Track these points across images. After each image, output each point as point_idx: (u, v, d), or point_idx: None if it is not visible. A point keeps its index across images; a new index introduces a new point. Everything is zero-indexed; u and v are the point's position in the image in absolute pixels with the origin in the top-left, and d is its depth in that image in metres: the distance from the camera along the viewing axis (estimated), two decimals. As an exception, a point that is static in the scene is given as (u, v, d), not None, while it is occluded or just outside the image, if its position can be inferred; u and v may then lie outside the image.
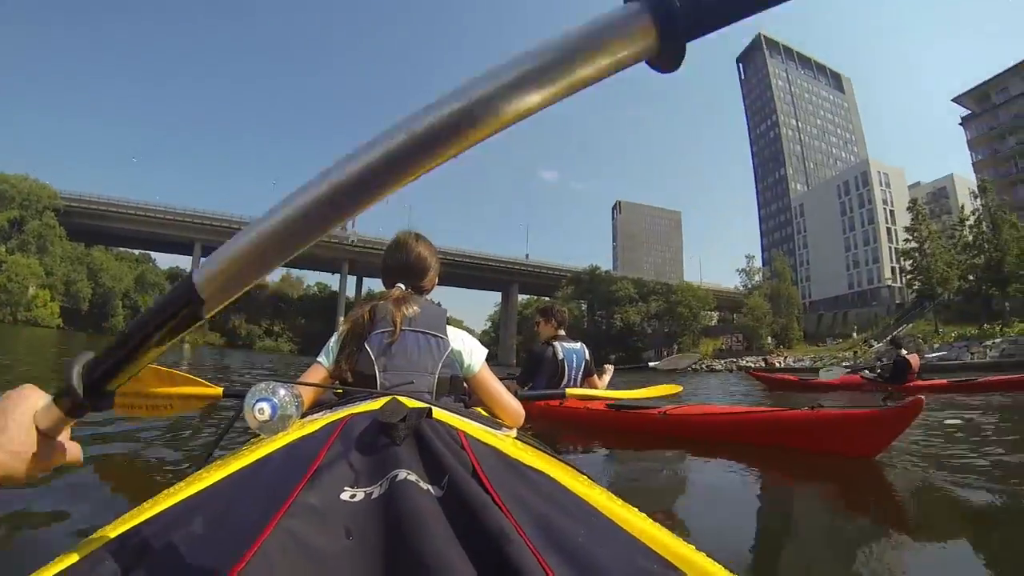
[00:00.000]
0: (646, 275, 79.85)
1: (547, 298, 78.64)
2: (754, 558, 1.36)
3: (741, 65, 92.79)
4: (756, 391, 9.12)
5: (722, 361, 47.78)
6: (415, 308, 1.41)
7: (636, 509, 0.67)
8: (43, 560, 0.49)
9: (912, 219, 40.43)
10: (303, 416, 0.95)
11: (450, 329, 1.46)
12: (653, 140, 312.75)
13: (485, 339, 78.63)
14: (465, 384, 1.50)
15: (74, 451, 0.56)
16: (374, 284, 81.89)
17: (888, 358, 8.64)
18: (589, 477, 0.85)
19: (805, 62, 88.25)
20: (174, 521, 0.53)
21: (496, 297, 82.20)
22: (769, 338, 52.98)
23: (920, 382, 7.84)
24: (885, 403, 2.40)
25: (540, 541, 0.49)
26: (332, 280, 79.69)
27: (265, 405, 0.82)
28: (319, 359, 1.45)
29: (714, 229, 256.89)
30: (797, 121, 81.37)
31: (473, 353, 1.47)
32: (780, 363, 42.23)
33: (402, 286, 1.53)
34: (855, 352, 38.83)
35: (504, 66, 0.33)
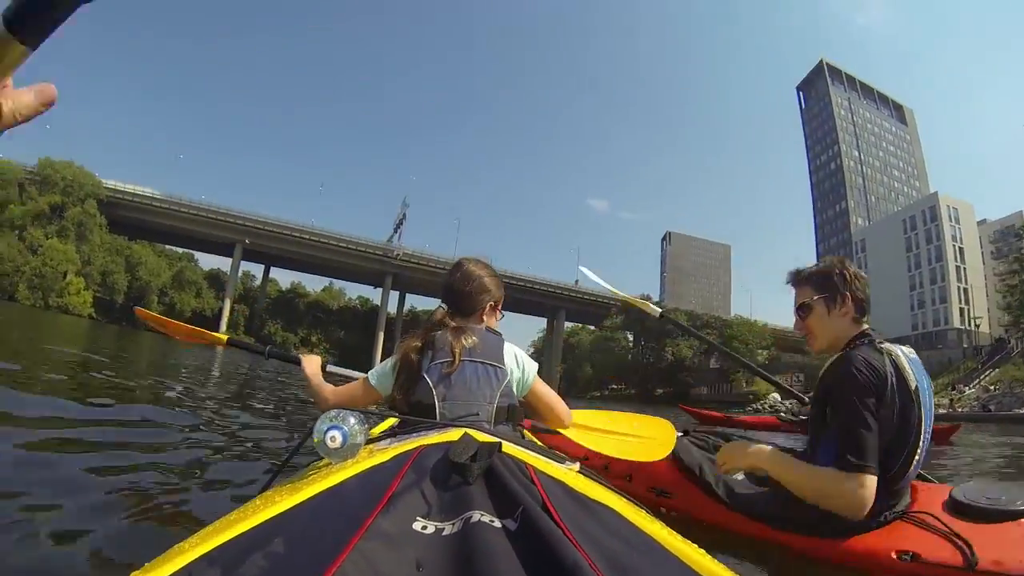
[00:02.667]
0: (692, 308, 77.82)
1: (593, 327, 77.92)
2: None
3: (801, 93, 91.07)
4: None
5: (786, 403, 45.95)
6: (474, 339, 1.40)
7: (694, 544, 0.69)
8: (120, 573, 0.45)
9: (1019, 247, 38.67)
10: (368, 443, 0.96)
11: (505, 346, 1.46)
12: (704, 171, 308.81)
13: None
14: (520, 401, 1.47)
15: (22, 98, 0.41)
16: (416, 300, 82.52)
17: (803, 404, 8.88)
18: (647, 511, 0.88)
19: (868, 92, 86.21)
20: (256, 542, 0.54)
21: (541, 323, 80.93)
22: (833, 380, 50.64)
23: None
24: None
25: (609, 574, 0.51)
26: (374, 294, 78.04)
27: (337, 433, 0.83)
28: (370, 380, 1.48)
29: (765, 263, 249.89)
30: (860, 152, 79.11)
31: (526, 366, 1.48)
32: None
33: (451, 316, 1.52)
34: (951, 400, 35.57)
35: None
